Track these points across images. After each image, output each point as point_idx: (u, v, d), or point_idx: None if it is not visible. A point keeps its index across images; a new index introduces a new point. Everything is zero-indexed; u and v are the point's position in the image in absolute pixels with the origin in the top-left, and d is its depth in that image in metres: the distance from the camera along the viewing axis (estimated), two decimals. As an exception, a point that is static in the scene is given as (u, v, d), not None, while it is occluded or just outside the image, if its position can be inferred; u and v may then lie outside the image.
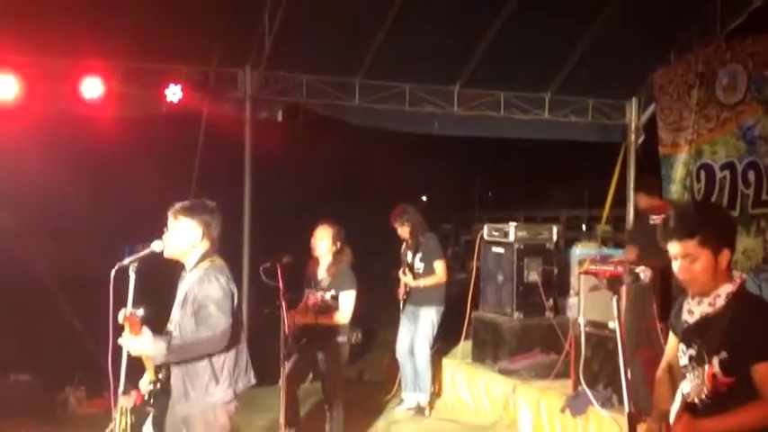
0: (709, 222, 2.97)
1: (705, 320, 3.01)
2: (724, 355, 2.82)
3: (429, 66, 9.30)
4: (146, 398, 4.03)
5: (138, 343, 3.76)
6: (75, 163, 10.31)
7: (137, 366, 4.07)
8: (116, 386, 3.98)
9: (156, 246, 4.03)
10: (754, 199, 8.73)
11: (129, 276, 3.96)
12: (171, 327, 4.04)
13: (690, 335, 3.07)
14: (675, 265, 3.02)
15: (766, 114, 8.64)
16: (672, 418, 2.89)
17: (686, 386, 2.80)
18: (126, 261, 3.97)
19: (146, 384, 4.06)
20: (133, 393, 4.00)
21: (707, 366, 2.75)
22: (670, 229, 3.01)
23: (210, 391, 3.94)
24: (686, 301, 3.12)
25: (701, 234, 2.93)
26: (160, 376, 4.04)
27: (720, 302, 2.97)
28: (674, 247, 3.00)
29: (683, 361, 3.07)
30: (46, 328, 8.74)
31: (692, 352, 3.02)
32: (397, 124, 10.10)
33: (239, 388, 4.05)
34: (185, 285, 4.04)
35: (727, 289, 2.98)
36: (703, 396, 2.75)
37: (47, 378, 7.80)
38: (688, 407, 2.85)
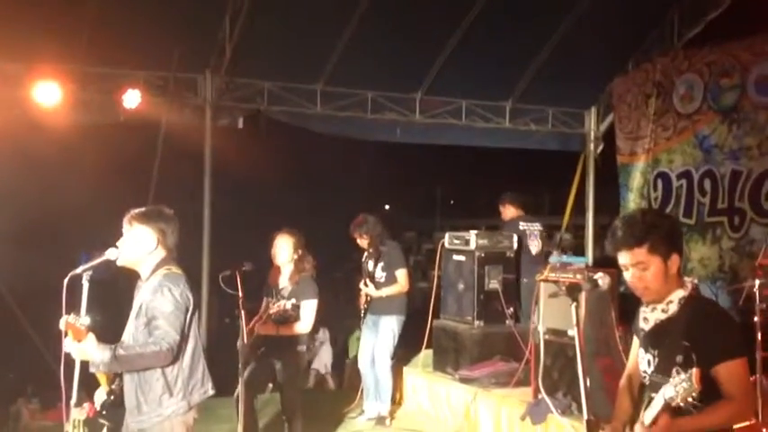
0: (657, 228, 2.98)
1: (659, 327, 3.03)
2: (680, 359, 2.85)
3: (391, 73, 9.32)
4: (99, 410, 3.93)
5: (82, 349, 3.67)
6: (30, 170, 10.11)
7: (91, 378, 3.98)
8: (68, 398, 3.88)
9: (110, 253, 3.92)
10: (711, 207, 8.86)
11: (82, 285, 3.87)
12: (125, 337, 3.95)
13: (646, 342, 3.09)
14: (627, 275, 3.02)
15: (722, 123, 8.78)
16: (648, 421, 2.88)
17: (669, 390, 2.76)
18: (79, 269, 3.88)
19: (101, 396, 3.96)
20: (86, 405, 3.90)
21: (694, 369, 2.74)
22: (618, 239, 3.01)
23: (164, 403, 3.84)
24: (641, 308, 3.13)
25: (649, 241, 2.94)
26: (114, 387, 3.94)
27: (673, 308, 2.99)
28: (623, 257, 3.00)
29: (644, 365, 3.09)
30: (-2, 339, 8.55)
31: (650, 357, 3.04)
32: (359, 132, 10.09)
33: (195, 399, 3.95)
34: (140, 296, 3.95)
35: (679, 294, 3.00)
36: (691, 398, 2.73)
37: (-1, 389, 7.63)
38: (670, 410, 2.82)
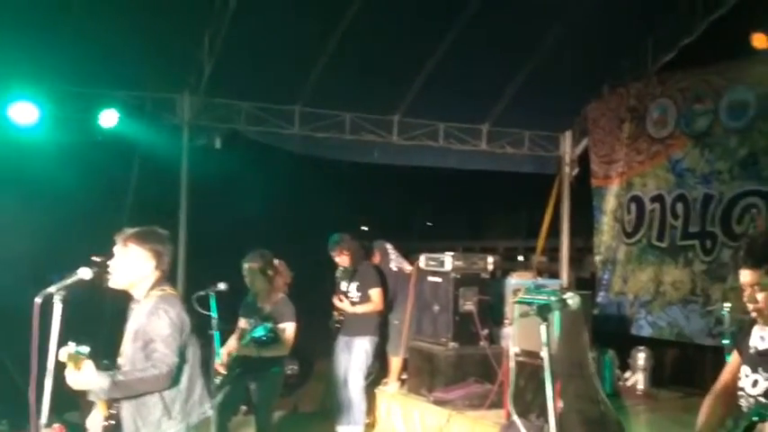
0: None
1: None
2: None
3: (369, 95, 9.36)
4: None
5: (80, 378, 3.61)
6: (4, 189, 10.02)
7: (61, 398, 3.94)
8: (37, 419, 3.83)
9: (82, 273, 3.83)
10: (683, 231, 8.96)
11: (53, 305, 3.82)
12: (121, 361, 3.89)
13: (755, 362, 3.05)
14: (745, 294, 3.02)
15: (695, 148, 8.91)
16: None
17: None
18: (52, 288, 3.82)
19: (96, 422, 3.89)
20: (56, 426, 3.86)
21: None
22: (740, 258, 3.04)
23: (162, 426, 3.79)
24: (756, 326, 3.10)
25: (767, 266, 2.93)
26: (112, 411, 3.87)
27: None
28: (743, 276, 3.01)
29: (745, 383, 3.04)
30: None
31: (758, 377, 3.00)
32: (337, 153, 10.10)
33: (193, 420, 3.90)
34: (135, 319, 3.88)
35: None
36: None
37: (-32, 411, 7.49)
38: None
